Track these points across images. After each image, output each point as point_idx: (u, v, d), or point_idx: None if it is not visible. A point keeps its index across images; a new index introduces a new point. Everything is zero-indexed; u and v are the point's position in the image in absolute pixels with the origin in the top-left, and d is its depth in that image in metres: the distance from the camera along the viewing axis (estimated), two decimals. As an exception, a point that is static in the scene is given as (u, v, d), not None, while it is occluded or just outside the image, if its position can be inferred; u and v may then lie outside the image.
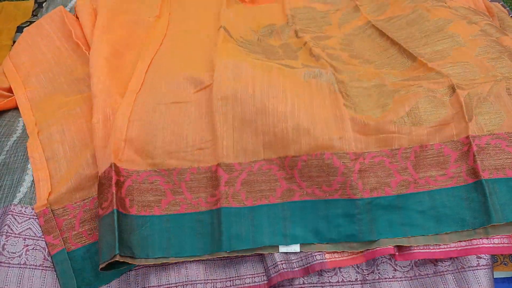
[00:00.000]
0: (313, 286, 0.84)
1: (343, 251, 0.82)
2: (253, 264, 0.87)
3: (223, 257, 0.86)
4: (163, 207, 0.83)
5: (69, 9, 1.44)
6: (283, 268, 0.82)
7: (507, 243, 0.77)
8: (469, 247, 0.79)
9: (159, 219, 0.82)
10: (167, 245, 0.81)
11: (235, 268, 0.86)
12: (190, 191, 0.85)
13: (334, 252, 0.82)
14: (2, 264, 0.79)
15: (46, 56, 1.16)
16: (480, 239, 0.78)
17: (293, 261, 0.83)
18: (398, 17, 1.21)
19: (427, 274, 0.83)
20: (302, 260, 0.83)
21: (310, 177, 0.83)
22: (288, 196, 0.84)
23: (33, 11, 1.50)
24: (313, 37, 1.17)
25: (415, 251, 0.80)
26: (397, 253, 0.81)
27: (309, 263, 0.82)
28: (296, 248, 0.81)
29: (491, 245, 0.77)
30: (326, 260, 0.82)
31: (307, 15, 1.33)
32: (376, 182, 0.82)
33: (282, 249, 0.81)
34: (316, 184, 0.83)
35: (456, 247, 0.79)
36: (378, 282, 0.83)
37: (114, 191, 0.80)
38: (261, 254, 0.83)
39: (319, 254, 0.82)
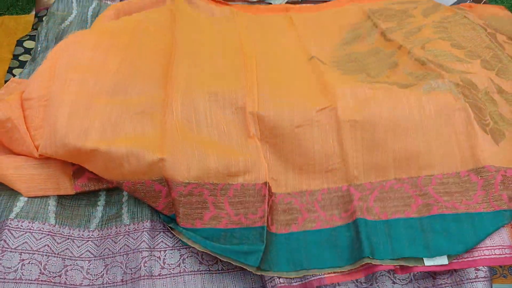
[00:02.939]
0: None
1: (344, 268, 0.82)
2: (252, 278, 0.86)
3: (221, 270, 0.85)
4: (300, 224, 0.88)
5: (68, 22, 1.46)
6: (281, 283, 0.81)
7: (509, 254, 0.76)
8: (470, 259, 0.78)
9: (298, 235, 0.87)
10: (306, 258, 0.84)
11: (233, 283, 0.85)
12: (323, 209, 0.89)
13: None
14: (-2, 280, 0.79)
15: None
16: (481, 250, 0.77)
17: (291, 275, 0.82)
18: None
19: (425, 287, 0.82)
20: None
21: (448, 193, 0.86)
22: (426, 211, 0.85)
23: (33, 25, 1.51)
24: (404, 35, 1.17)
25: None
26: (397, 266, 0.80)
27: (307, 278, 0.81)
28: (443, 260, 0.79)
29: (492, 256, 0.76)
30: (324, 276, 0.81)
31: (386, 12, 1.33)
32: None
33: (428, 262, 0.79)
34: (455, 199, 0.85)
35: (457, 259, 0.78)
36: (377, 295, 0.83)
37: (265, 209, 0.85)
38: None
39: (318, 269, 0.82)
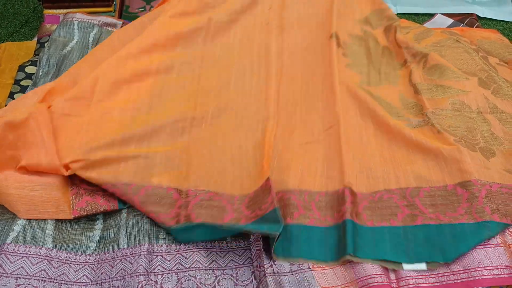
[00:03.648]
0: None
1: (342, 286, 0.81)
2: None
3: None
4: (294, 218, 0.91)
5: (70, 48, 1.49)
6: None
7: (508, 274, 0.75)
8: (469, 279, 0.77)
9: (292, 228, 0.90)
10: (296, 249, 0.87)
11: None
12: (319, 210, 0.94)
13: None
14: (-7, 306, 0.78)
15: None
16: (480, 270, 0.77)
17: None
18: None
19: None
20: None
21: (433, 205, 0.90)
22: (411, 221, 0.89)
23: (35, 51, 1.54)
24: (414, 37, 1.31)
25: (413, 285, 0.79)
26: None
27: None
28: (422, 266, 0.82)
29: (491, 276, 0.76)
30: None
31: None
32: (502, 207, 0.87)
33: (407, 266, 0.83)
34: (440, 210, 0.89)
35: (456, 279, 0.78)
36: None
37: (273, 195, 0.90)
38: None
39: (316, 282, 0.82)
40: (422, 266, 0.82)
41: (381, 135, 1.06)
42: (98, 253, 0.92)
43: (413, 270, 0.82)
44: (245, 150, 1.04)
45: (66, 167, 0.95)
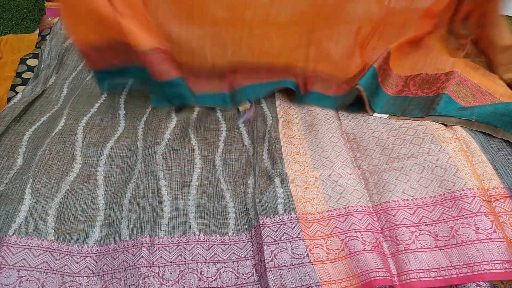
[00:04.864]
0: None
1: (343, 280, 0.81)
2: None
3: (220, 286, 0.85)
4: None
5: (71, 41, 1.48)
6: None
7: (509, 268, 0.75)
8: (471, 273, 0.77)
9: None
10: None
11: None
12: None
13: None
14: (-5, 297, 0.79)
15: None
16: (482, 265, 0.76)
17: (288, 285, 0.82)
18: None
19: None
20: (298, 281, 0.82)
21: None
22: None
23: (37, 44, 1.54)
24: None
25: (415, 279, 0.78)
26: (397, 283, 0.79)
27: (304, 285, 0.81)
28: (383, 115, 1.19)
29: (493, 271, 0.75)
30: (320, 282, 0.81)
31: None
32: (462, 95, 1.15)
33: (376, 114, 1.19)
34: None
35: (458, 274, 0.78)
36: (377, 310, 0.82)
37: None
38: None
39: (317, 276, 0.81)
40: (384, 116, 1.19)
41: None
42: (100, 245, 0.92)
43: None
44: None
45: None
